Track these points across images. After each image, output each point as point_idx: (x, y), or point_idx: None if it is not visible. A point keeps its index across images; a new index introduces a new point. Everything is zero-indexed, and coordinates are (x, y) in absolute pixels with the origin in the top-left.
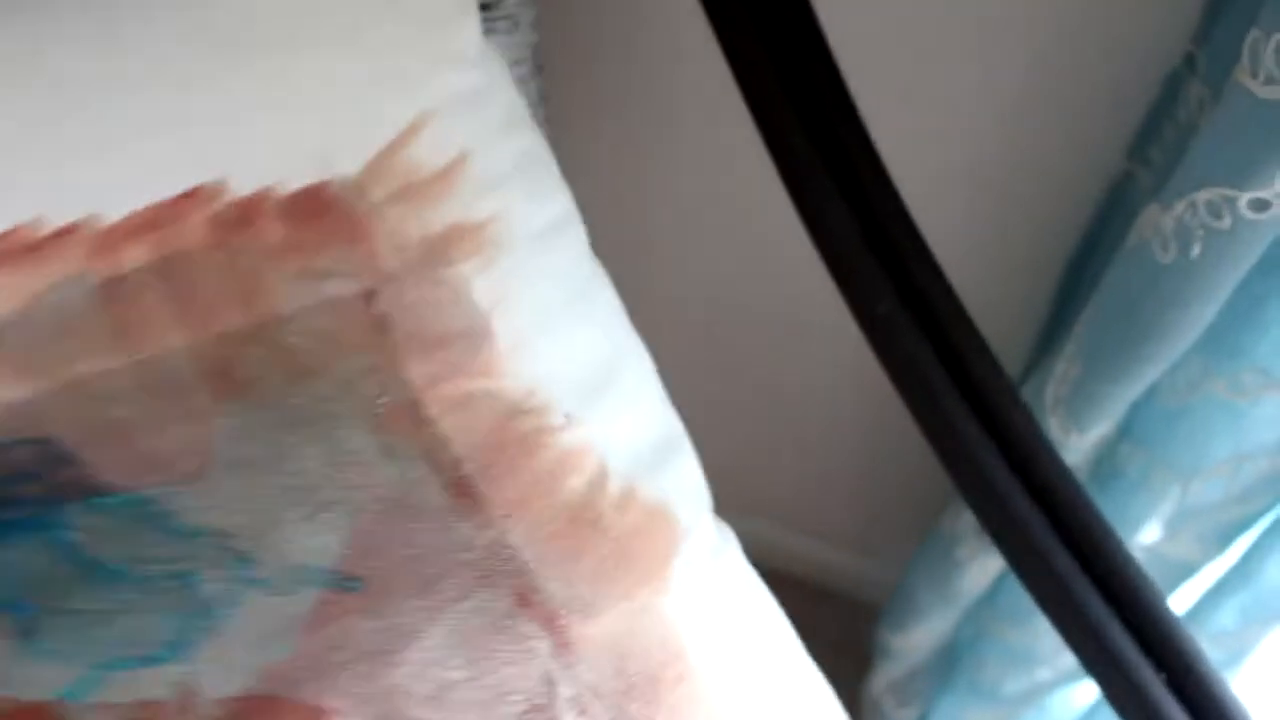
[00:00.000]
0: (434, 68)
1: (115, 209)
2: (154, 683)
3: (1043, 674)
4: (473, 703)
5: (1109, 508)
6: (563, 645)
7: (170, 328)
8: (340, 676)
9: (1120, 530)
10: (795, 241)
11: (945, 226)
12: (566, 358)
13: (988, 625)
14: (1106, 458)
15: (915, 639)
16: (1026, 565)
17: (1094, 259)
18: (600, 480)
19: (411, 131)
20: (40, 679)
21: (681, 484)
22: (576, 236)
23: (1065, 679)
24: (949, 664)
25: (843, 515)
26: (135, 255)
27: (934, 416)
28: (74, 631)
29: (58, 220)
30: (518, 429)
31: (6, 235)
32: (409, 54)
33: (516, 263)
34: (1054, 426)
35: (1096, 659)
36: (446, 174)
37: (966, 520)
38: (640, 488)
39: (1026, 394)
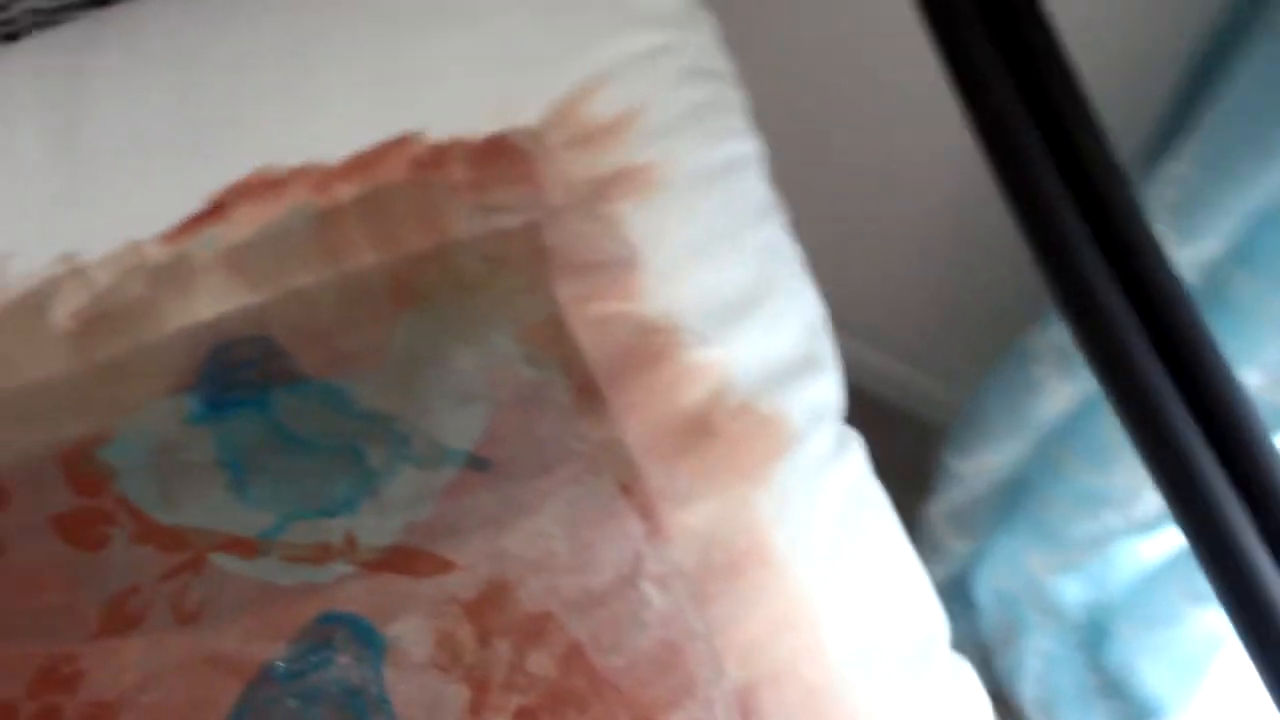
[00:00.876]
0: (618, 28)
1: (336, 153)
2: (326, 530)
3: (1113, 520)
4: (569, 569)
5: None
6: (655, 529)
7: (367, 248)
8: (465, 537)
9: None
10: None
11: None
12: (711, 285)
13: (1060, 460)
14: (1214, 283)
15: (980, 464)
16: (1116, 380)
17: (1227, 52)
18: (720, 393)
19: (589, 88)
20: (246, 520)
21: (805, 400)
22: (750, 176)
23: (1137, 529)
24: (1012, 498)
25: (918, 329)
26: (348, 190)
27: (1029, 197)
28: (272, 487)
29: (292, 163)
30: (647, 344)
31: (252, 176)
32: (593, 15)
33: (676, 200)
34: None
35: (1184, 497)
36: (617, 124)
37: (1051, 336)
38: (758, 400)
39: None
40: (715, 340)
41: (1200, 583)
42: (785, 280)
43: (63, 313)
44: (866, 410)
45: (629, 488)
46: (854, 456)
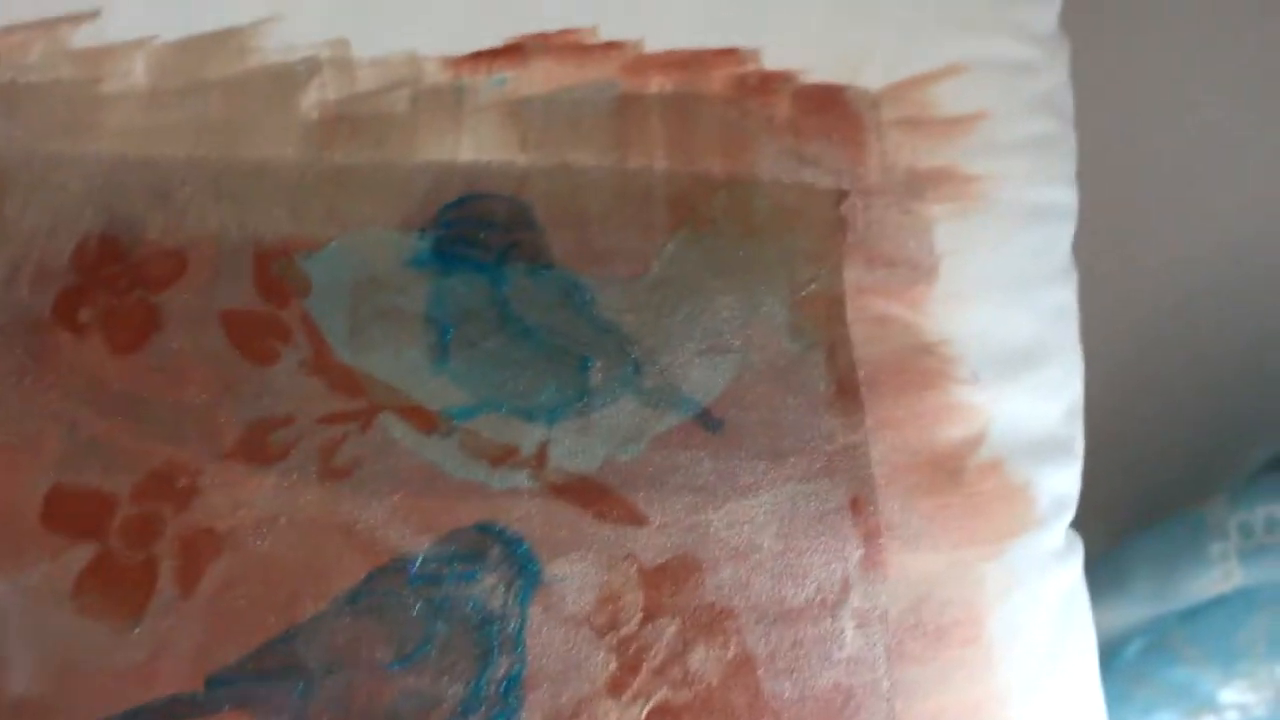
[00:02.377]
0: (993, 27)
1: (659, 41)
2: (519, 433)
3: None
4: (767, 570)
5: None
6: (873, 561)
7: (660, 151)
8: (667, 495)
9: None
10: None
11: None
12: (995, 329)
13: (1179, 643)
14: None
15: (1099, 618)
16: None
17: None
18: (976, 443)
19: (944, 73)
20: (436, 391)
21: (1053, 484)
22: (1059, 232)
23: None
24: (1106, 662)
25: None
26: (660, 82)
27: None
28: (476, 365)
29: (609, 35)
30: (920, 363)
31: (562, 33)
32: (976, 6)
33: (988, 225)
34: None
35: None
36: (959, 123)
37: (1238, 513)
38: (1012, 466)
39: None
40: (987, 386)
41: None
42: (1066, 351)
43: (313, 100)
44: None
45: (859, 506)
46: (1076, 564)
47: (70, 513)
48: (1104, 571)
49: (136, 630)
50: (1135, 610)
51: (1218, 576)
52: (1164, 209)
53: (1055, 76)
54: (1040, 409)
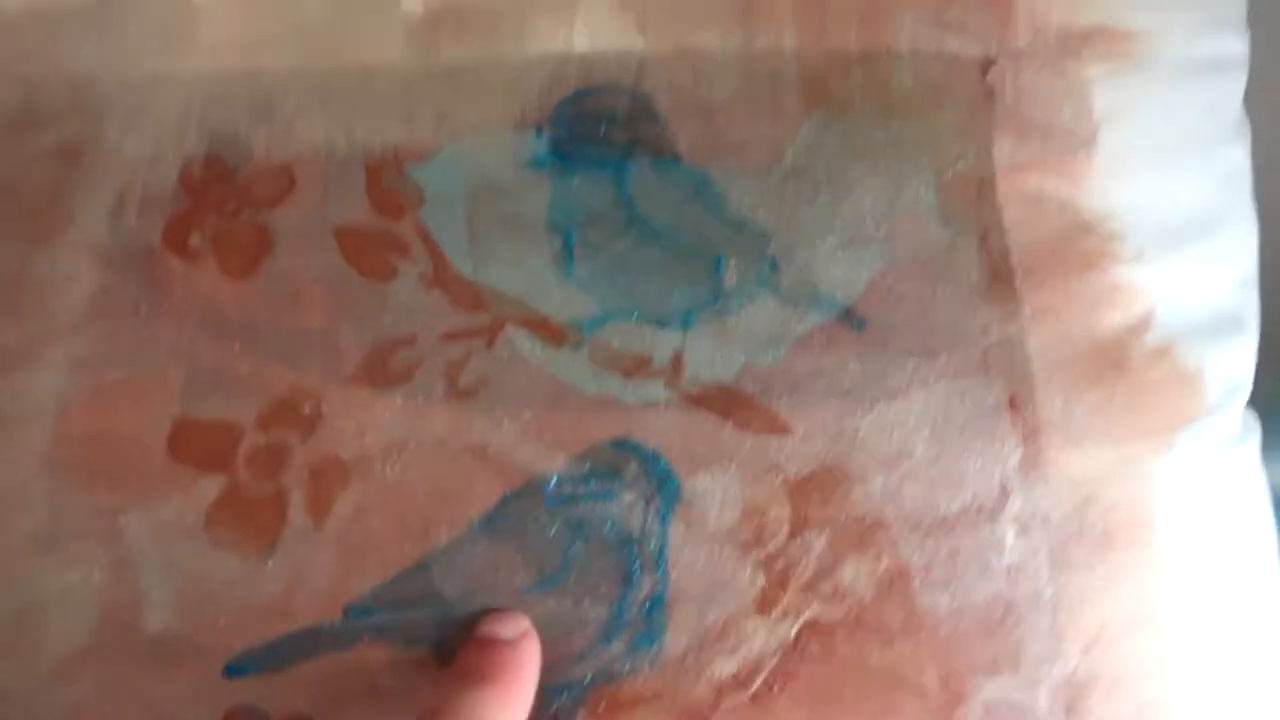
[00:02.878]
0: None
1: None
2: (651, 341)
3: None
4: (920, 478)
5: None
6: (1033, 462)
7: (789, 27)
8: (811, 401)
9: None
10: None
11: None
12: (1162, 198)
13: None
14: None
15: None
16: None
17: None
18: (1142, 325)
19: None
20: (563, 302)
21: (1226, 364)
22: (1230, 86)
23: None
24: None
25: None
26: None
27: None
28: (602, 271)
29: None
30: (1079, 244)
31: None
32: None
33: (1151, 84)
34: None
35: None
36: None
37: None
38: (1181, 350)
39: None
40: (1153, 263)
41: None
42: (1239, 217)
43: None
44: None
45: (1017, 403)
46: (1253, 449)
47: (197, 445)
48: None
49: (271, 562)
50: None
51: None
52: None
53: None
54: (1211, 283)
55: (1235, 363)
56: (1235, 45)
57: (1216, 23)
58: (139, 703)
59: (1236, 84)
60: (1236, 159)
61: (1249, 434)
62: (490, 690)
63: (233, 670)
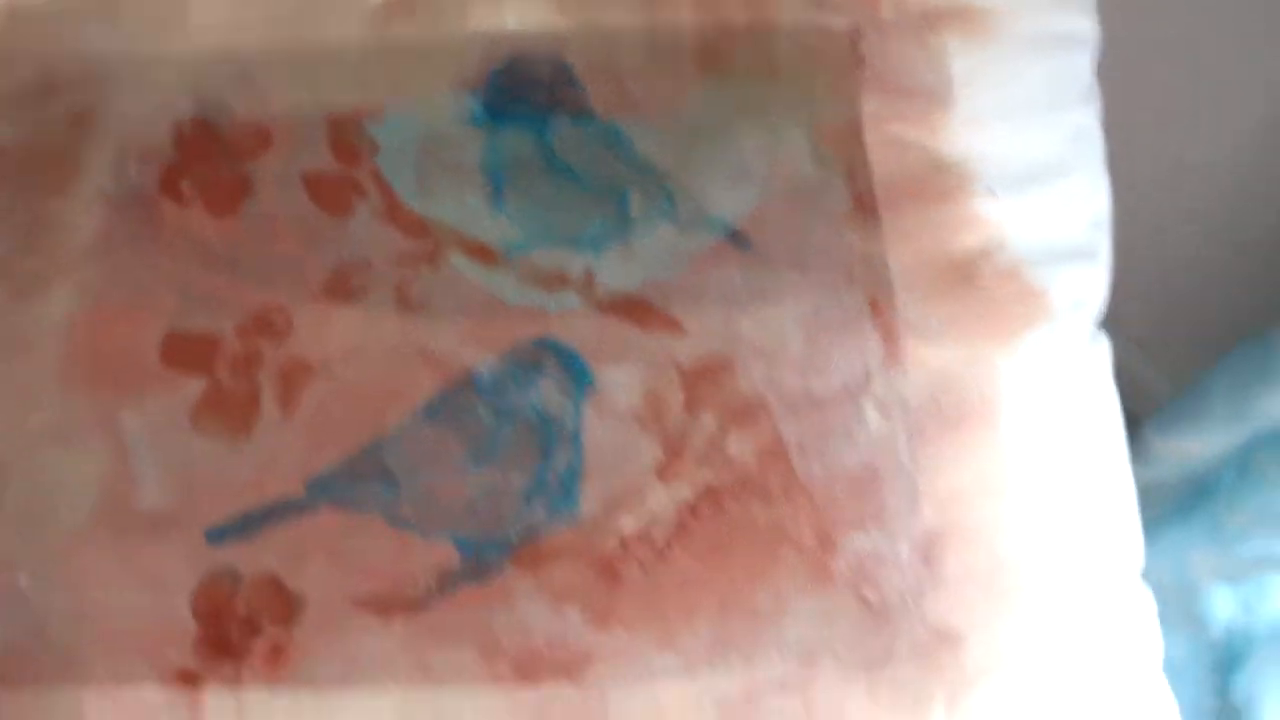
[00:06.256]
0: None
1: None
2: (568, 262)
3: None
4: (794, 366)
5: None
6: (892, 356)
7: (687, 6)
8: (703, 307)
9: None
10: None
11: None
12: (1011, 149)
13: (1264, 467)
14: None
15: (1182, 448)
16: None
17: None
18: (993, 250)
19: None
20: (494, 230)
21: (1071, 285)
22: (1081, 57)
23: None
24: (1199, 492)
25: (1148, 309)
26: None
27: None
28: (527, 206)
29: None
30: (937, 181)
31: None
32: None
33: (1004, 53)
34: None
35: None
36: None
37: None
38: (1027, 269)
39: None
40: (1004, 199)
41: None
42: (1086, 167)
43: None
44: None
45: (879, 308)
46: (1100, 358)
47: (184, 352)
48: (1186, 403)
49: (247, 447)
50: (1219, 437)
51: None
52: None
53: None
54: (1059, 220)
55: (1082, 285)
56: (1081, 24)
57: (1064, 5)
58: (133, 569)
59: (1083, 57)
60: (1083, 120)
61: (1096, 348)
62: None
63: (213, 537)
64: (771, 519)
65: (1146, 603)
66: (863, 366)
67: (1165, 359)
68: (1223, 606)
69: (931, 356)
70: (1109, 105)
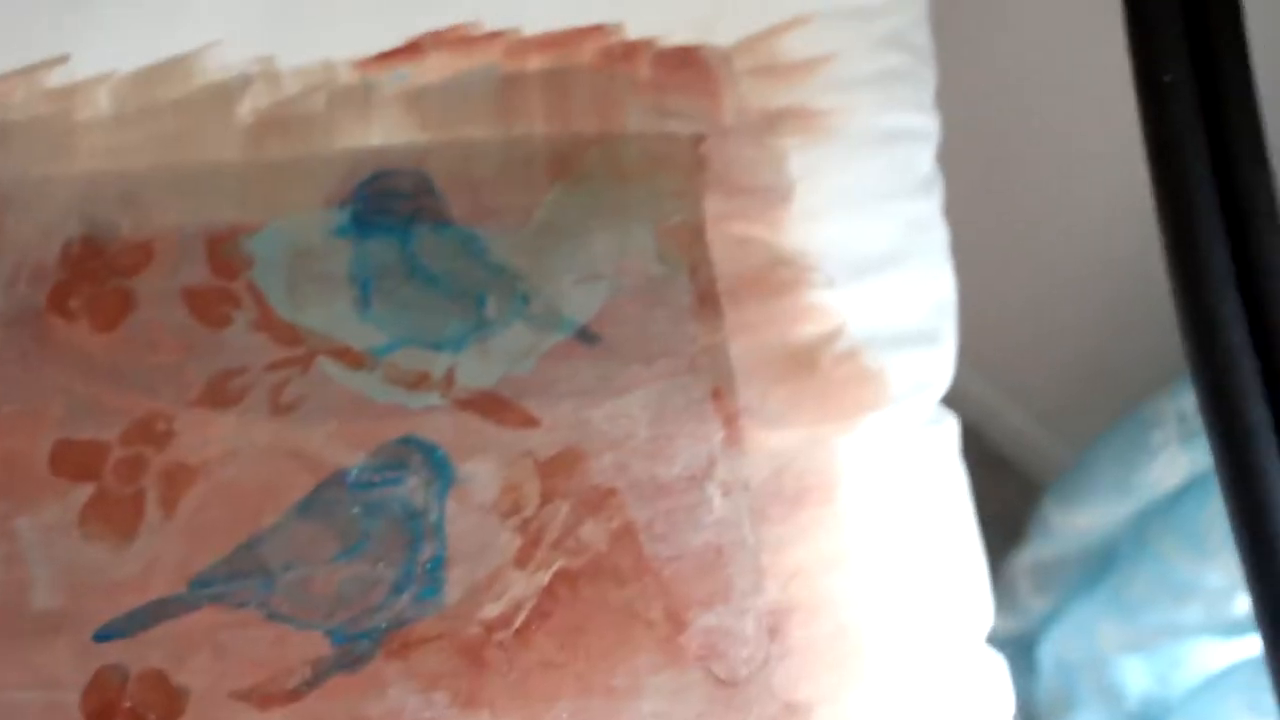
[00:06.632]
0: None
1: (535, 27)
2: (430, 362)
3: (1194, 614)
4: (644, 454)
5: None
6: (734, 440)
7: (540, 119)
8: (556, 400)
9: None
10: None
11: None
12: (852, 238)
13: (1157, 538)
14: None
15: (1077, 521)
16: (1236, 469)
17: None
18: (831, 337)
19: (790, 25)
20: (361, 335)
21: (911, 367)
22: (919, 151)
23: (1217, 630)
24: (1099, 565)
25: (1045, 378)
26: (536, 62)
27: (1191, 268)
28: (392, 311)
29: (491, 26)
30: (777, 274)
31: (452, 29)
32: None
33: (841, 151)
34: None
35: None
36: (805, 66)
37: (1178, 402)
38: (866, 354)
39: None
40: (843, 289)
41: (1264, 696)
42: (926, 255)
43: (248, 108)
44: (974, 449)
45: (720, 395)
46: (945, 436)
47: (72, 460)
48: (1077, 477)
49: (131, 549)
50: (1110, 509)
51: (1164, 463)
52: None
53: (905, 14)
54: (899, 307)
55: (924, 368)
56: (918, 120)
57: (899, 103)
58: (27, 669)
59: (921, 150)
60: (923, 210)
61: (938, 425)
62: None
63: (100, 637)
64: (624, 600)
65: (996, 666)
66: (706, 452)
67: (1068, 430)
68: (1136, 678)
69: (772, 440)
70: (994, 188)
